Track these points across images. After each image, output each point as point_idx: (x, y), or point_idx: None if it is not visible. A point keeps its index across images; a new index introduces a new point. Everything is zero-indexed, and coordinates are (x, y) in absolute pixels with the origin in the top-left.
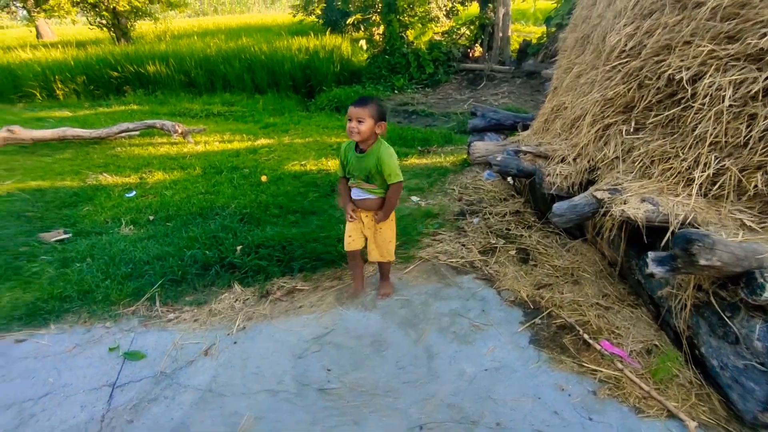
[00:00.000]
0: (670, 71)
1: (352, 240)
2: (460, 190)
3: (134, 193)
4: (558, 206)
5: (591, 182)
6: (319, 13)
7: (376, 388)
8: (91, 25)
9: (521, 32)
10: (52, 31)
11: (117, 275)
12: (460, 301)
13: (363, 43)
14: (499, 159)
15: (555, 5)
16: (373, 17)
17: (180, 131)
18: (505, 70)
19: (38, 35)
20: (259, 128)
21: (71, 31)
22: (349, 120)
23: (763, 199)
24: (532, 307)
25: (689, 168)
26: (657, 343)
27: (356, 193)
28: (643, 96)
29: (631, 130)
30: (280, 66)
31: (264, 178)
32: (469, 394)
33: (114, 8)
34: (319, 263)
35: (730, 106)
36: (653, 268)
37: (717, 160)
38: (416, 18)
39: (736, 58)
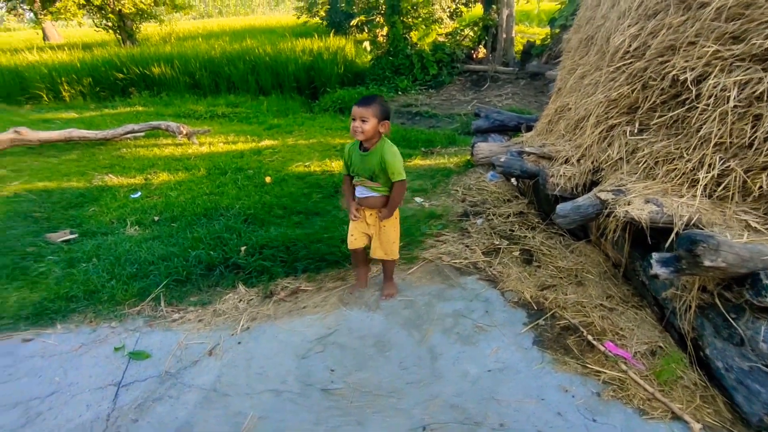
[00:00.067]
0: (674, 72)
1: (354, 239)
2: (464, 191)
3: (139, 193)
4: (562, 207)
5: (595, 183)
6: (323, 14)
7: (379, 389)
8: (97, 27)
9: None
10: (58, 33)
11: (122, 275)
12: (464, 302)
13: (367, 44)
14: (502, 160)
15: (559, 6)
16: (377, 19)
17: (185, 132)
18: (508, 72)
19: (45, 37)
20: (264, 129)
21: (77, 33)
22: (353, 120)
23: None
24: (535, 308)
25: (694, 169)
26: (661, 344)
27: (360, 191)
28: (647, 97)
29: (636, 131)
30: (284, 67)
31: (268, 179)
32: (472, 394)
33: (120, 10)
34: (322, 264)
35: (735, 106)
36: (657, 269)
37: (722, 161)
38: (420, 19)
39: (741, 58)
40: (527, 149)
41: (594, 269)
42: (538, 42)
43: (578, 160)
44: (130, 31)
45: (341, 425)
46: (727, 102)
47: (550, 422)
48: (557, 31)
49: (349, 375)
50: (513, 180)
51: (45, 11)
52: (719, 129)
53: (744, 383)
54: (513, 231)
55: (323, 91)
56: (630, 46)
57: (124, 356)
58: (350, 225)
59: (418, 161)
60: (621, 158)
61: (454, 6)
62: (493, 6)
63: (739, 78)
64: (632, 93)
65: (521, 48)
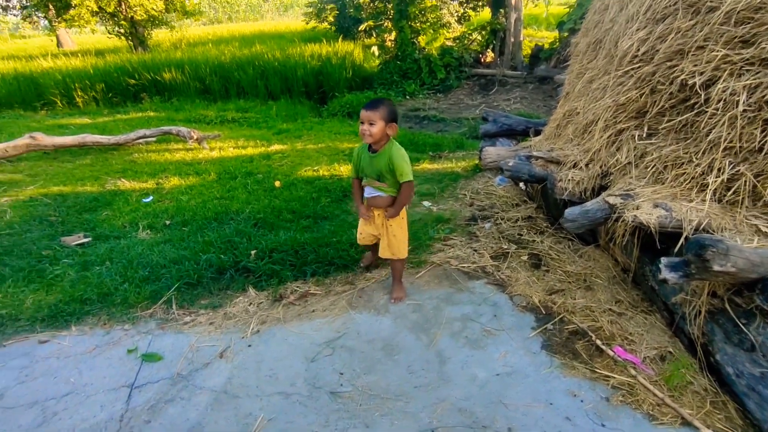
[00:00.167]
0: (683, 76)
1: (362, 237)
2: (472, 196)
3: (151, 198)
4: (570, 212)
5: (603, 188)
6: (332, 20)
7: (387, 392)
8: (109, 34)
9: (533, 37)
10: (72, 40)
11: (135, 278)
12: (472, 306)
13: (375, 49)
14: (510, 164)
15: (567, 10)
16: (385, 24)
17: (195, 137)
18: (517, 75)
19: (59, 44)
20: (273, 134)
21: (91, 40)
22: (362, 123)
23: None
24: (544, 312)
25: (703, 173)
26: (671, 349)
27: (368, 192)
28: (655, 101)
29: (644, 135)
30: (293, 72)
31: (278, 184)
32: (480, 398)
33: (132, 17)
34: (331, 268)
35: (745, 111)
36: (666, 274)
37: (731, 166)
38: (428, 24)
39: (750, 62)
40: (535, 153)
41: (603, 274)
42: (546, 46)
43: (587, 165)
44: (141, 37)
45: (349, 428)
46: (737, 106)
47: (558, 427)
48: (566, 34)
49: (358, 378)
50: (521, 184)
51: (59, 19)
52: (728, 133)
53: (755, 389)
54: (521, 235)
55: (332, 96)
56: (638, 50)
57: (137, 358)
58: (360, 223)
59: (425, 165)
60: (629, 162)
61: (462, 10)
62: (501, 10)
63: (748, 82)
64: (641, 97)
65: (529, 52)
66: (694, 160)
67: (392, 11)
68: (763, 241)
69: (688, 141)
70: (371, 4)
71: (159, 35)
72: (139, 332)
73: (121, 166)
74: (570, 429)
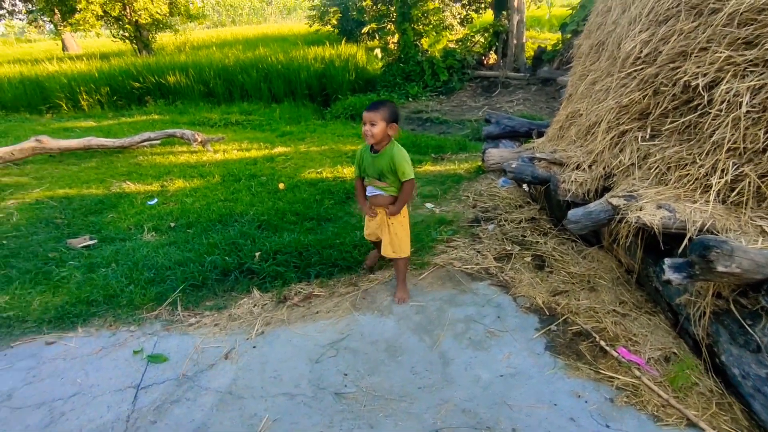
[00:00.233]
0: (686, 78)
1: (369, 233)
2: (475, 197)
3: (156, 200)
4: (573, 213)
5: (606, 189)
6: (335, 22)
7: (391, 393)
8: (114, 37)
9: (536, 39)
10: (77, 43)
11: (140, 280)
12: (476, 308)
13: (378, 51)
14: (514, 166)
15: (570, 12)
16: (388, 26)
17: (199, 140)
18: (519, 77)
19: (64, 48)
20: (276, 137)
21: (95, 43)
22: (364, 124)
23: None
24: (548, 313)
25: (707, 174)
26: (675, 350)
27: (370, 190)
28: (658, 103)
29: (647, 136)
30: (296, 75)
31: (282, 186)
32: (484, 399)
33: (136, 21)
34: (334, 269)
35: (748, 112)
36: (670, 275)
37: (735, 167)
38: (430, 26)
39: (754, 63)
40: (538, 155)
41: (606, 275)
42: (549, 47)
43: (590, 166)
44: (146, 41)
45: (353, 428)
46: (740, 107)
47: (562, 427)
48: (568, 36)
49: (362, 379)
50: (524, 186)
51: (65, 23)
52: (732, 134)
53: (762, 391)
54: (525, 237)
55: (335, 98)
56: (641, 51)
57: (143, 359)
58: (365, 220)
59: (428, 167)
60: (633, 164)
61: (464, 12)
62: (504, 12)
63: (752, 83)
64: (644, 99)
65: (532, 54)
66: (698, 161)
67: (395, 14)
68: None
69: (692, 142)
70: (374, 7)
71: (163, 38)
72: (144, 333)
73: (126, 169)
74: (574, 430)
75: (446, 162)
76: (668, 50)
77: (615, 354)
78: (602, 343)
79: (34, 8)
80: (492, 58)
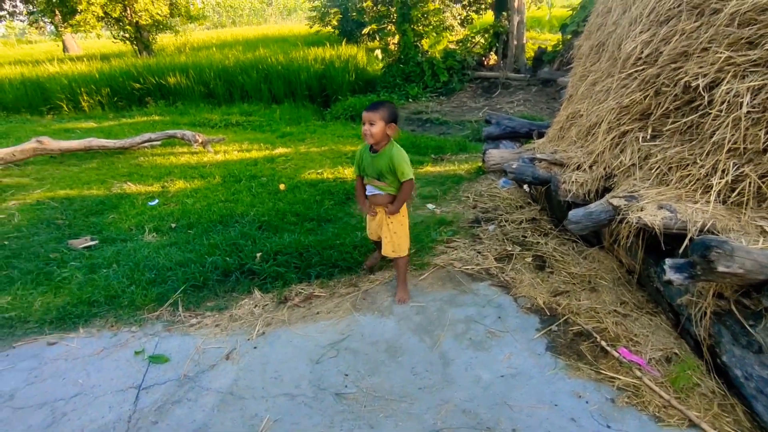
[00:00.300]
0: (687, 78)
1: (371, 232)
2: (475, 198)
3: (157, 201)
4: (574, 213)
5: (607, 189)
6: (335, 23)
7: (391, 394)
8: (114, 38)
9: (536, 40)
10: (77, 45)
11: (141, 281)
12: (476, 308)
13: (378, 52)
14: (514, 166)
15: (570, 12)
16: (388, 27)
17: (200, 141)
18: (520, 78)
19: (65, 49)
20: (277, 137)
21: (96, 44)
22: (363, 124)
23: None
24: (548, 314)
25: (707, 175)
26: (677, 351)
27: (369, 190)
28: (659, 103)
29: (648, 137)
30: (296, 76)
31: (282, 187)
32: (484, 400)
33: (137, 22)
34: (335, 270)
35: (749, 112)
36: (671, 275)
37: (736, 167)
38: (431, 27)
39: (755, 64)
40: (539, 156)
41: (607, 275)
42: (549, 48)
43: (590, 167)
44: (146, 42)
45: (354, 429)
46: (741, 108)
47: (563, 428)
48: (569, 37)
49: (362, 380)
50: (525, 186)
51: (65, 24)
52: (733, 135)
53: (764, 392)
54: (525, 237)
55: (335, 99)
56: (642, 52)
57: (144, 360)
58: (367, 219)
59: (428, 168)
60: (633, 164)
61: (464, 13)
62: (504, 13)
63: (753, 84)
64: (644, 99)
65: (532, 54)
66: (699, 161)
67: (395, 15)
68: None
69: (693, 142)
70: (374, 8)
71: (163, 39)
72: (146, 334)
73: (127, 170)
74: (575, 430)
75: (446, 163)
76: (669, 50)
77: (616, 354)
78: (603, 343)
79: (34, 9)
80: (492, 58)
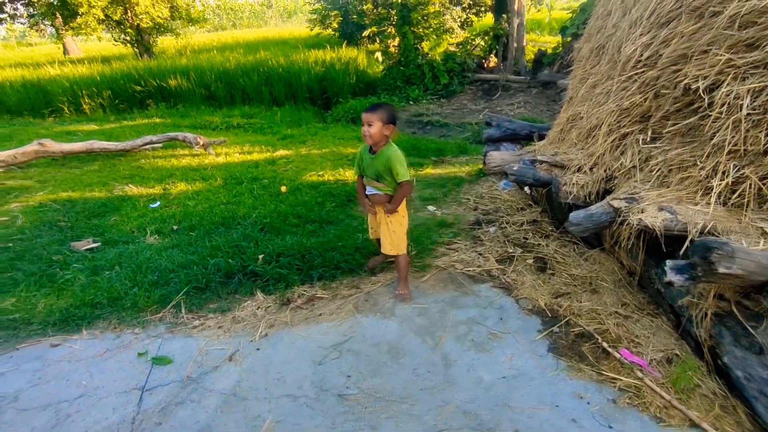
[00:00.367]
0: (687, 80)
1: (372, 231)
2: (476, 200)
3: (158, 203)
4: (575, 215)
5: (608, 191)
6: (336, 26)
7: (393, 395)
8: (115, 41)
9: (536, 42)
10: (78, 47)
11: (144, 283)
12: (478, 310)
13: (378, 54)
14: (515, 168)
15: (570, 15)
16: (389, 29)
17: (201, 143)
18: (520, 80)
19: (65, 52)
20: (278, 140)
21: (97, 47)
22: (363, 125)
23: None
24: (550, 315)
25: (708, 176)
26: (678, 352)
27: (369, 189)
28: (660, 105)
29: (648, 139)
30: (297, 78)
31: (283, 189)
32: (485, 401)
33: (138, 25)
34: (337, 272)
35: (749, 114)
36: (672, 277)
37: (736, 169)
38: (431, 30)
39: (755, 66)
40: (540, 158)
41: (608, 277)
42: (549, 51)
43: (591, 169)
44: (147, 44)
45: (355, 430)
46: (741, 110)
47: (564, 429)
48: (569, 39)
49: (364, 381)
50: (526, 188)
51: (66, 27)
52: (733, 137)
53: (766, 393)
54: (526, 239)
55: (336, 102)
56: (642, 54)
57: (148, 361)
58: (368, 218)
59: (428, 170)
60: (634, 166)
61: (465, 16)
62: (504, 15)
63: (753, 86)
64: (645, 102)
65: (532, 57)
66: (699, 163)
67: (395, 17)
68: None
69: (693, 144)
70: (374, 11)
71: (164, 42)
72: (149, 336)
73: (129, 172)
74: (576, 431)
75: (447, 165)
76: (669, 53)
77: (617, 355)
78: (604, 344)
79: (35, 12)
80: (492, 61)
